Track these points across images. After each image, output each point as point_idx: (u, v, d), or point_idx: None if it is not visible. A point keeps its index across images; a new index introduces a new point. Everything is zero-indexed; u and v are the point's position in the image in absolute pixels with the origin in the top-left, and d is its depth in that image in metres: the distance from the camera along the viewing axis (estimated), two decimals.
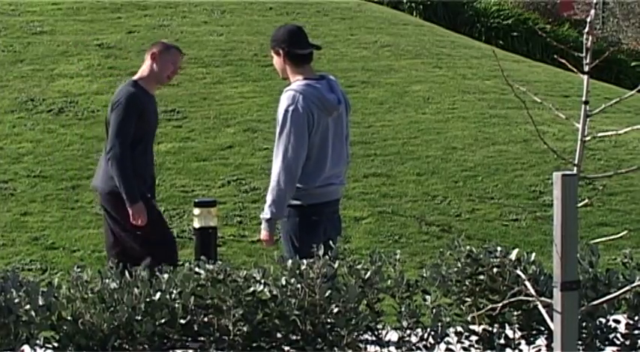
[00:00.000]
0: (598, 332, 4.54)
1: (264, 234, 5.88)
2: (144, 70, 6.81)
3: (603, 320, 4.59)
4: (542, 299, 3.15)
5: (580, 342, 4.47)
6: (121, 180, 6.42)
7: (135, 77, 6.84)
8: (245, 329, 4.06)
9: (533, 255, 4.47)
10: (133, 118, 6.58)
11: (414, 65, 14.78)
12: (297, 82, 5.94)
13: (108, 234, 6.77)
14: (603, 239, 3.59)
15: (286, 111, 5.83)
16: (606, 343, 4.61)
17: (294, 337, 4.15)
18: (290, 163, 5.79)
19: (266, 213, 5.84)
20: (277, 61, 6.13)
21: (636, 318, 4.69)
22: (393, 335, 4.37)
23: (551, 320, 3.00)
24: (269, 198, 5.83)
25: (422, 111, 12.72)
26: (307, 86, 5.89)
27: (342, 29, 16.11)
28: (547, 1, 24.97)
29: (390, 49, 15.49)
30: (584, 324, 4.48)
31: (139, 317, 3.99)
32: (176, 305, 4.04)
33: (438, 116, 12.60)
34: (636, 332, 4.66)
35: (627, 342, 4.65)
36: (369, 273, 4.24)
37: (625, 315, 4.71)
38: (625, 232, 4.09)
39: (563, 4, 24.68)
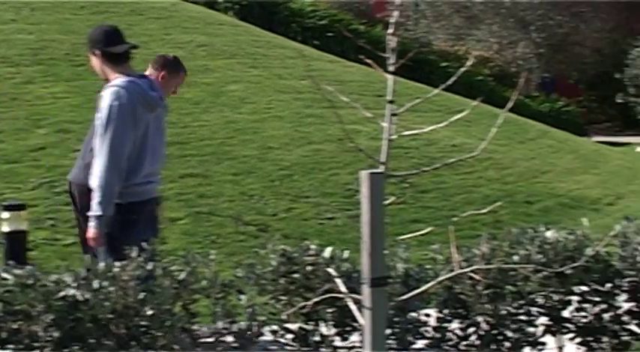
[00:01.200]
0: (409, 326, 4.64)
1: (94, 232, 5.71)
2: (165, 79, 6.52)
3: (415, 315, 4.70)
4: (352, 295, 3.20)
5: (393, 337, 4.57)
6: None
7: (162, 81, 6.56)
8: (56, 334, 3.95)
9: (347, 252, 4.53)
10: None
11: (229, 65, 14.80)
12: (118, 79, 5.86)
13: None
14: (410, 235, 3.68)
15: (111, 106, 5.71)
16: (417, 337, 4.72)
17: (107, 341, 4.07)
18: (116, 159, 5.69)
19: (96, 211, 5.70)
20: (95, 63, 6.01)
21: (445, 311, 4.82)
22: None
23: (362, 316, 3.05)
24: (97, 195, 5.68)
25: (238, 111, 12.74)
26: (130, 82, 5.82)
27: (156, 29, 15.96)
28: (361, 2, 25.45)
29: (205, 48, 15.45)
30: (396, 319, 4.58)
31: None
32: None
33: (254, 116, 12.65)
34: (445, 325, 4.80)
35: (437, 335, 4.78)
36: (183, 274, 4.20)
37: (436, 309, 4.84)
38: (432, 228, 4.20)
39: (376, 5, 25.21)
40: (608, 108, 29.28)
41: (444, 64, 22.74)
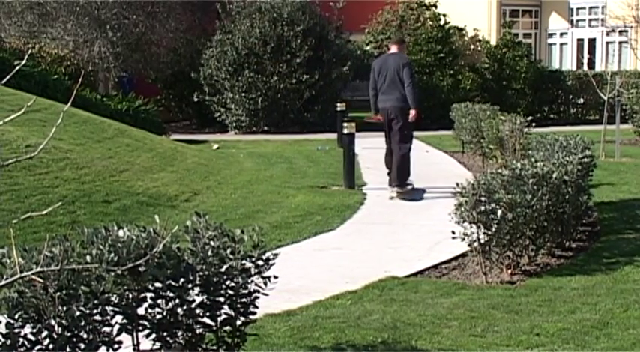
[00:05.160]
0: None
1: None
2: (403, 50, 13.93)
3: None
4: None
5: None
6: (416, 97, 13.25)
7: (401, 52, 13.72)
8: None
9: None
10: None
11: None
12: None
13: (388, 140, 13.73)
14: None
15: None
16: None
17: None
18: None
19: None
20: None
21: (16, 317, 4.67)
22: None
23: None
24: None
25: None
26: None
27: None
28: None
29: None
30: None
31: None
32: None
33: None
34: (17, 330, 4.65)
35: (8, 342, 4.62)
36: None
37: (6, 315, 4.68)
38: None
39: None
40: (186, 107, 29.96)
41: (16, 62, 22.06)
